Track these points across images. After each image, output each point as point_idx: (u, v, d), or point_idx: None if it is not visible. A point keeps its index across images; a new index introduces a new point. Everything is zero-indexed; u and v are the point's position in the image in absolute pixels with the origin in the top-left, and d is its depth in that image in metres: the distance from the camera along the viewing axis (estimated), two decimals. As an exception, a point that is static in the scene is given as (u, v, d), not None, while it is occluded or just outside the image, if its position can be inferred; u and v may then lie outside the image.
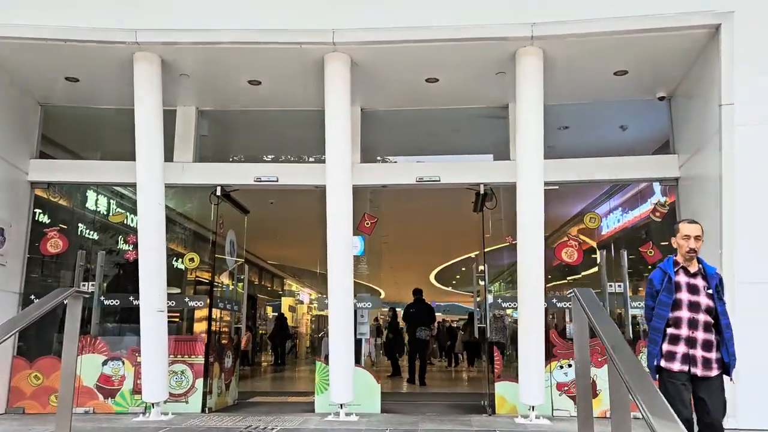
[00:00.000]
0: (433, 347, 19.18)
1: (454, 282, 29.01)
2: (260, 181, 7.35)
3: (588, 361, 4.24)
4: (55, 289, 4.66)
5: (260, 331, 21.47)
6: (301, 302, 29.04)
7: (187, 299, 7.25)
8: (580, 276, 8.23)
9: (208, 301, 7.16)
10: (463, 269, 24.12)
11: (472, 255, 19.04)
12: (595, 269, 7.68)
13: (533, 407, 6.26)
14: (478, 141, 7.88)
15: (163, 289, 6.50)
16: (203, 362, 7.03)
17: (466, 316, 24.82)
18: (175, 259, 8.26)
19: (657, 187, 7.84)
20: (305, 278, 27.04)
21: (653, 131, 7.99)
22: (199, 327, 7.66)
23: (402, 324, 13.09)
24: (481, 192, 7.26)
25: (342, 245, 6.36)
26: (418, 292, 13.13)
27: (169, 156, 7.40)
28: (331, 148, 6.51)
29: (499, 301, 7.02)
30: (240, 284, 8.29)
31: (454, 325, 34.58)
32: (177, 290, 7.97)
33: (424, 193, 9.87)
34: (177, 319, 7.92)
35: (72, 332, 4.53)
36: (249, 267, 20.49)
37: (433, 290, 32.25)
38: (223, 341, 7.86)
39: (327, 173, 6.55)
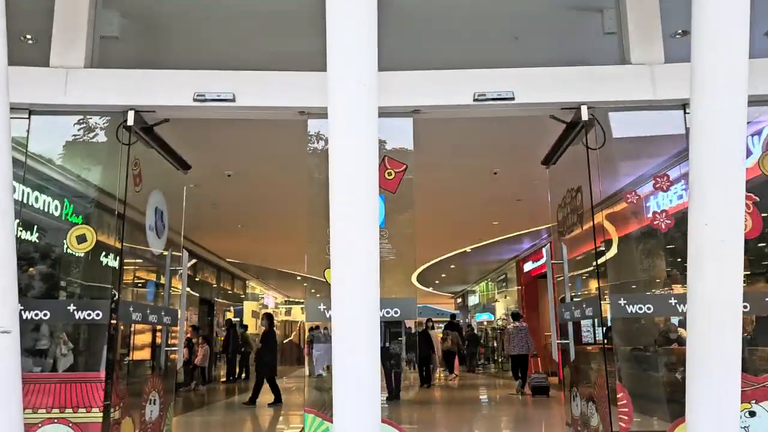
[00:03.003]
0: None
1: (437, 282, 26.08)
2: (204, 100, 4.22)
3: None
4: None
5: (219, 338, 18.17)
6: (266, 306, 25.85)
7: (71, 307, 4.03)
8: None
9: (111, 308, 4.00)
10: (452, 267, 21.28)
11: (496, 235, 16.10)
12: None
13: (718, 499, 3.32)
14: (561, 46, 4.90)
15: (10, 292, 3.33)
16: (101, 419, 3.89)
17: (447, 320, 21.75)
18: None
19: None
20: (270, 279, 23.82)
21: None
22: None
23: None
24: (584, 118, 4.28)
25: (360, 209, 3.29)
26: None
27: (39, 58, 4.26)
28: (339, 37, 3.43)
29: (622, 302, 4.05)
30: (175, 281, 5.11)
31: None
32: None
33: (459, 135, 6.93)
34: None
35: None
36: (204, 266, 17.29)
37: (411, 292, 28.99)
38: (143, 376, 4.71)
39: (330, 84, 3.47)
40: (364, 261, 3.29)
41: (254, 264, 19.49)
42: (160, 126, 4.62)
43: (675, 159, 4.51)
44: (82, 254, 4.21)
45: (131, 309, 4.20)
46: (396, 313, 4.11)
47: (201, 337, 14.96)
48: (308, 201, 4.35)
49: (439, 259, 18.58)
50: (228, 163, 8.32)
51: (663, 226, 4.17)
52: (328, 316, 4.08)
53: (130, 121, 4.27)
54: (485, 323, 25.15)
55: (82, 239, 4.14)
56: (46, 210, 4.51)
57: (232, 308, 20.17)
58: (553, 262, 5.13)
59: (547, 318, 18.16)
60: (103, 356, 4.01)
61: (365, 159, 3.26)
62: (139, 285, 4.96)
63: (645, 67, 4.28)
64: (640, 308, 4.05)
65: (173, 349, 4.91)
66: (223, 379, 16.74)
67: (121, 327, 4.13)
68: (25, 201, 4.31)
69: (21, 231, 6.90)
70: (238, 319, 20.08)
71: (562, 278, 5.08)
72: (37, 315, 3.94)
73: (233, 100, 4.25)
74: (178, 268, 5.03)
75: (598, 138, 4.30)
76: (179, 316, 5.04)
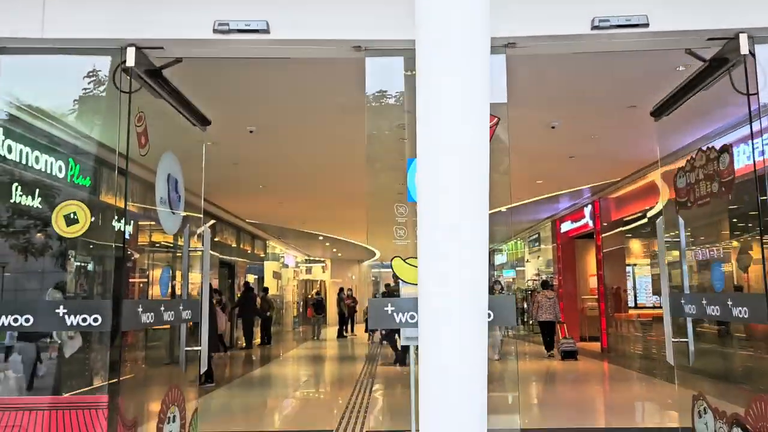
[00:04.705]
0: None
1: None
2: (227, 31, 3.14)
3: None
4: None
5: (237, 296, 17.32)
6: (287, 266, 25.11)
7: (61, 311, 3.05)
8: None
9: (112, 312, 3.03)
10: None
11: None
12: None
13: None
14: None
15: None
16: (106, 453, 2.98)
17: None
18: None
19: None
20: (291, 239, 22.98)
21: None
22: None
23: None
24: (743, 51, 3.15)
25: (464, 179, 2.24)
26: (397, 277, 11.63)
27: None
28: None
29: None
30: (196, 255, 4.12)
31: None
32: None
33: (524, 79, 5.79)
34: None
35: None
36: (224, 228, 16.38)
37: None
38: (158, 389, 3.77)
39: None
40: (470, 255, 2.26)
41: (275, 225, 18.60)
42: (170, 69, 3.56)
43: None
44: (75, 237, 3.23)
45: (140, 309, 3.22)
46: (489, 316, 3.09)
47: (217, 301, 14.13)
48: (366, 167, 3.30)
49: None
50: (251, 118, 7.29)
51: None
52: (398, 320, 3.09)
53: (131, 61, 3.21)
54: (511, 280, 24.39)
55: (72, 220, 3.14)
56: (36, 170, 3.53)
57: (251, 274, 19.38)
58: (667, 240, 4.05)
59: (585, 281, 17.18)
60: (106, 373, 3.08)
61: (472, 107, 2.19)
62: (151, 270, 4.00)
63: None
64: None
65: (196, 349, 3.96)
66: (243, 345, 16.04)
67: (129, 335, 3.17)
68: None
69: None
70: (255, 277, 19.37)
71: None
72: (16, 320, 2.98)
73: (267, 31, 3.15)
74: (198, 248, 4.04)
75: (759, 79, 3.17)
76: (201, 303, 4.08)
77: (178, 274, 4.11)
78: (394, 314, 3.11)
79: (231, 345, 15.35)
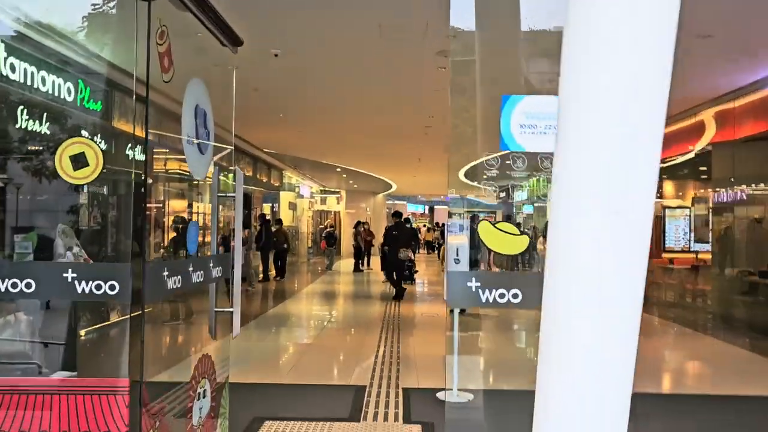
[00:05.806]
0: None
1: (485, 177, 24.18)
2: None
3: None
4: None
5: (254, 227, 16.92)
6: (302, 196, 24.63)
7: (69, 275, 2.46)
8: None
9: (134, 277, 2.46)
10: (507, 162, 19.29)
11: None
12: None
13: None
14: None
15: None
16: (127, 443, 2.49)
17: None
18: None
19: None
20: (306, 169, 22.36)
21: None
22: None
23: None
24: None
25: (639, 108, 1.55)
26: (398, 215, 13.85)
27: None
28: None
29: None
30: (226, 192, 3.53)
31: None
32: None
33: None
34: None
35: None
36: (239, 157, 15.79)
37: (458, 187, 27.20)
38: (187, 363, 3.27)
39: None
40: (635, 220, 1.61)
41: (293, 155, 17.97)
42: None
43: None
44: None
45: (165, 273, 2.64)
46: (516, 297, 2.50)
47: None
48: (451, 104, 2.63)
49: (494, 155, 16.77)
50: (278, 39, 6.54)
51: None
52: (484, 298, 2.50)
53: (150, -39, 2.49)
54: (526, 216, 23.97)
55: (80, 162, 2.51)
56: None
57: (267, 204, 18.88)
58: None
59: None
60: (125, 350, 2.54)
61: (660, 29, 1.50)
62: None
63: None
64: None
65: (227, 310, 3.42)
66: (261, 278, 15.77)
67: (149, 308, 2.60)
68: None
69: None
70: (273, 208, 18.94)
71: None
72: (15, 286, 2.42)
73: None
74: (229, 194, 3.43)
75: None
76: (234, 260, 3.51)
77: (203, 213, 3.54)
78: (479, 291, 2.52)
79: (245, 278, 15.08)
